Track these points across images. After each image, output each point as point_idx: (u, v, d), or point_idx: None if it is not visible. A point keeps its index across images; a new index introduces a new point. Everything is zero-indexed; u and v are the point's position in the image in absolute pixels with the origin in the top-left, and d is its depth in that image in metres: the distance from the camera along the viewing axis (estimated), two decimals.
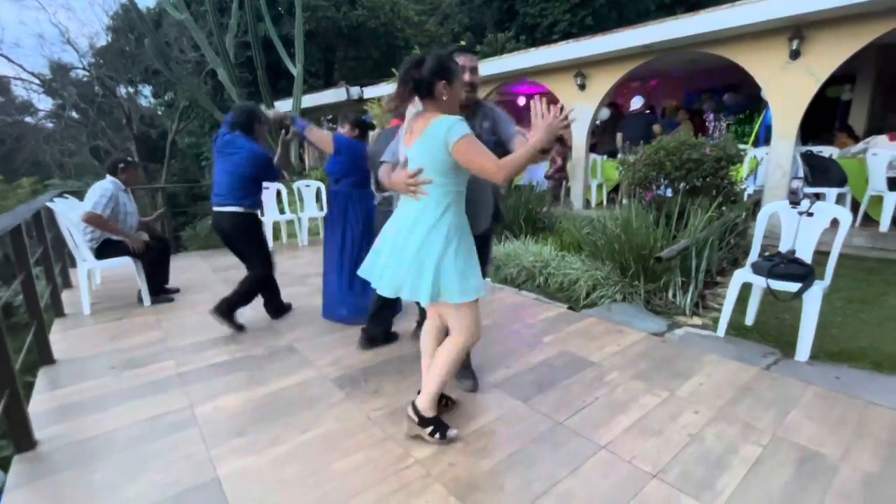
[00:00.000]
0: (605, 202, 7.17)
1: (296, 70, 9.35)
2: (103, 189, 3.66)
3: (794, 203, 2.84)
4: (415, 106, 1.79)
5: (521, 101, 10.53)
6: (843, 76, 6.30)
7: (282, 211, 6.37)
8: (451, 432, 1.90)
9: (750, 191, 5.57)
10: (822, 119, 7.21)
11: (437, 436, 1.86)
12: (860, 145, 5.32)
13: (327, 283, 3.30)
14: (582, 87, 6.80)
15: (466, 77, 1.99)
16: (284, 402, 2.26)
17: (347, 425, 2.05)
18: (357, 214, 3.18)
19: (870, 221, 5.09)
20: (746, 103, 8.61)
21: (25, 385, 2.37)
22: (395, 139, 2.04)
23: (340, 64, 15.95)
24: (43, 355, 2.71)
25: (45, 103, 16.77)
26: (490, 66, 7.57)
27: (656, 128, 6.61)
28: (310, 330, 3.18)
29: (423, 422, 1.87)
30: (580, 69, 6.71)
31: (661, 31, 5.59)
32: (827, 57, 4.85)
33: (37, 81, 14.68)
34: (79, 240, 3.61)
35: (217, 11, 9.55)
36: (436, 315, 1.98)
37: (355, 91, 10.14)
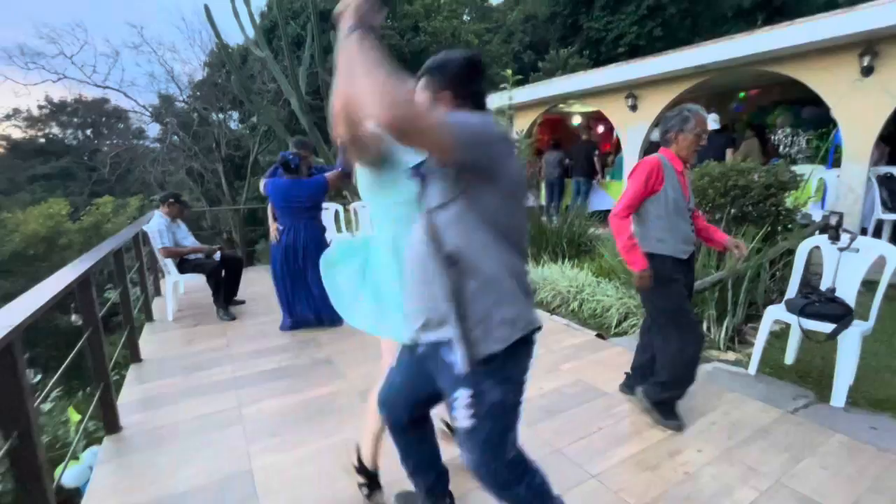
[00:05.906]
0: None
1: None
2: (158, 226, 4.23)
3: (833, 238, 2.71)
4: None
5: (577, 119, 10.45)
6: None
7: (339, 230, 6.90)
8: None
9: (816, 217, 5.17)
10: None
11: None
12: None
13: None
14: (633, 108, 6.72)
15: None
16: (315, 409, 2.57)
17: None
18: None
19: None
20: (828, 117, 7.92)
21: (119, 378, 2.92)
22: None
23: None
24: (133, 355, 3.28)
25: (153, 130, 19.42)
26: (537, 90, 7.70)
27: (729, 152, 5.99)
28: (349, 343, 3.51)
29: None
30: (631, 90, 6.65)
31: (715, 52, 5.44)
32: None
33: (147, 112, 17.07)
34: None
35: (293, 46, 10.58)
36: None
37: None
